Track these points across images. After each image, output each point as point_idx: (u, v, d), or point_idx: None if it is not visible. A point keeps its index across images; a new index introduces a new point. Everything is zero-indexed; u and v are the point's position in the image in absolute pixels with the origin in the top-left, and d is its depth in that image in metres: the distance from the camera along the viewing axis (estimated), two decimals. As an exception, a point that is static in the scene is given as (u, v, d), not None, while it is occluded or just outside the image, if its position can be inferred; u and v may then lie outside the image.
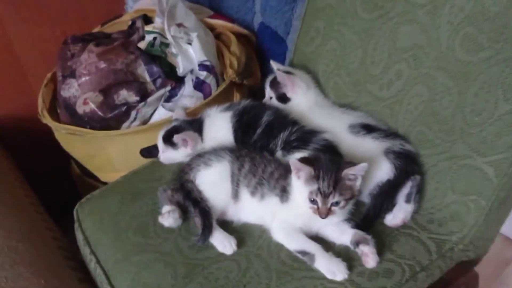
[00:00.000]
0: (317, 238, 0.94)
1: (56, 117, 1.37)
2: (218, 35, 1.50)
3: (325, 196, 0.87)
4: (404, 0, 1.02)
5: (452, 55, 0.94)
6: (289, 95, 1.19)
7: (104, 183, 1.40)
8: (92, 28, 1.63)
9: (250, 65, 1.46)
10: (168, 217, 0.99)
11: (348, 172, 0.87)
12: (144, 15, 1.52)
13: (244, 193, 0.98)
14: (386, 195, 0.99)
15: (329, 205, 0.88)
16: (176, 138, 1.10)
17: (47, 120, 1.30)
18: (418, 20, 1.00)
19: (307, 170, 0.88)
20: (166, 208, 1.01)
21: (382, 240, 0.94)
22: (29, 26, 1.59)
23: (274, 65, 1.22)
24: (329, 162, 0.89)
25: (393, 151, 1.00)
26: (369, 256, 0.87)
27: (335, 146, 1.02)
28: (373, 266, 0.87)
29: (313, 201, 0.89)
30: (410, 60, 1.02)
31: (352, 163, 0.88)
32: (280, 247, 0.95)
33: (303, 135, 1.04)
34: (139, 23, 1.46)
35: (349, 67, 1.14)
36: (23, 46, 1.62)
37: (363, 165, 0.87)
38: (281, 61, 1.51)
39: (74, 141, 1.30)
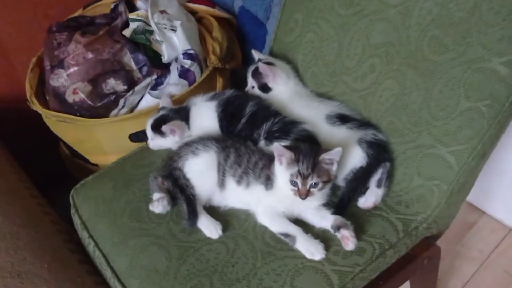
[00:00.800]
0: (298, 222, 1.03)
1: (44, 102, 1.41)
2: (199, 19, 1.54)
3: (304, 177, 0.96)
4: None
5: (421, 54, 1.03)
6: (270, 85, 1.26)
7: (94, 165, 1.47)
8: (74, 10, 1.65)
9: (232, 48, 1.52)
10: (158, 205, 1.07)
11: (325, 156, 0.97)
12: (126, -1, 1.55)
13: (230, 182, 1.07)
14: (359, 180, 1.09)
15: (308, 186, 0.98)
16: (165, 128, 1.17)
17: (36, 107, 1.35)
18: (390, 19, 1.07)
19: (288, 154, 0.97)
20: (156, 196, 1.09)
21: (355, 221, 1.04)
22: (9, 9, 1.60)
23: (255, 54, 1.29)
24: (308, 148, 0.98)
25: (366, 140, 1.09)
26: (349, 239, 0.97)
27: (314, 136, 1.10)
28: (352, 248, 0.97)
29: (293, 183, 0.98)
30: (383, 56, 1.10)
31: (328, 149, 0.97)
32: (264, 229, 1.04)
33: (285, 126, 1.12)
34: (121, 7, 1.49)
35: (326, 58, 1.21)
36: (4, 29, 1.62)
37: (337, 150, 0.97)
38: (261, 44, 1.57)
39: (64, 127, 1.35)
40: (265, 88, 1.27)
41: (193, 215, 1.05)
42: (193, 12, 1.54)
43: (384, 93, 1.11)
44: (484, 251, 1.76)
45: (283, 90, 1.25)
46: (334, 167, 1.00)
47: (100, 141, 1.35)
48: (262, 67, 1.24)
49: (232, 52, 1.51)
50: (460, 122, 0.99)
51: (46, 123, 1.44)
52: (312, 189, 0.98)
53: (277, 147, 0.98)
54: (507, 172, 1.63)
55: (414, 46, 1.04)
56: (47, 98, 1.37)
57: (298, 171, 0.97)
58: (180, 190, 1.08)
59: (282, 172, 1.00)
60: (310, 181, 0.97)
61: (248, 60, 1.63)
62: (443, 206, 1.05)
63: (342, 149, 0.97)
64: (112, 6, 1.54)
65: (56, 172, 1.76)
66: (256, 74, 1.27)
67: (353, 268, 0.98)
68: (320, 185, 0.98)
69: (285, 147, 0.98)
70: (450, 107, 0.99)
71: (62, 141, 1.52)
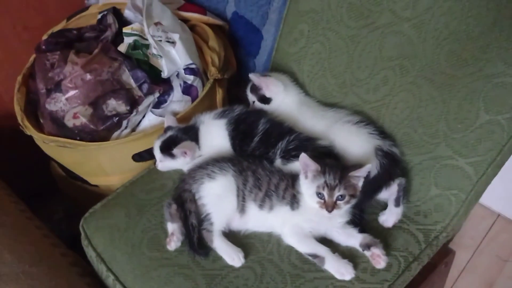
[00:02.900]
0: (323, 241, 1.03)
1: (35, 124, 1.34)
2: (192, 27, 1.49)
3: (331, 189, 0.96)
4: (390, 12, 1.08)
5: (437, 67, 1.03)
6: (267, 95, 1.25)
7: (94, 185, 1.41)
8: (55, 21, 1.56)
9: (227, 56, 1.48)
10: (171, 241, 1.05)
11: (354, 174, 0.97)
12: (113, 8, 1.48)
13: (252, 207, 1.05)
14: (368, 192, 1.08)
15: (334, 198, 0.97)
16: (176, 151, 1.13)
17: (31, 132, 1.28)
18: (404, 32, 1.07)
19: (314, 166, 0.97)
20: (169, 227, 1.06)
21: (378, 236, 1.05)
22: (-14, 22, 1.51)
23: (251, 76, 1.27)
24: (334, 161, 1.00)
25: (382, 149, 1.10)
26: (381, 257, 0.98)
27: (332, 151, 1.10)
28: (384, 266, 0.98)
29: (320, 196, 0.97)
30: (396, 68, 1.10)
31: (356, 165, 0.98)
32: (289, 250, 1.04)
33: (301, 143, 1.10)
34: (110, 19, 1.43)
35: (335, 70, 1.20)
36: (-17, 44, 1.53)
37: (367, 167, 0.97)
38: (256, 49, 1.55)
39: (61, 150, 1.29)
40: (264, 99, 1.26)
41: (198, 245, 1.03)
42: (185, 20, 1.48)
43: (398, 105, 1.11)
44: (476, 238, 1.83)
45: (285, 100, 1.24)
46: (360, 182, 1.00)
47: (101, 164, 1.30)
48: (255, 79, 1.24)
49: (228, 60, 1.48)
50: (479, 134, 1.00)
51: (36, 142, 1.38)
52: (338, 202, 0.98)
53: (303, 158, 0.97)
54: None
55: (430, 60, 1.04)
56: (42, 121, 1.30)
57: (325, 182, 0.96)
58: (184, 216, 1.06)
59: (308, 185, 0.99)
60: (337, 193, 0.97)
61: (242, 66, 1.60)
62: (461, 214, 1.08)
63: (371, 166, 0.98)
64: (99, 16, 1.47)
65: (43, 185, 1.70)
66: (253, 88, 1.27)
67: (382, 284, 0.99)
68: (347, 198, 0.98)
69: (310, 156, 0.97)
70: (469, 120, 1.01)
71: (56, 162, 1.45)
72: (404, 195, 1.09)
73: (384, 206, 1.10)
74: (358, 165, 0.99)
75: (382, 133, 1.13)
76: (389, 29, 1.09)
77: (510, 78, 0.94)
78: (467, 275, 1.72)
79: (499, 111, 0.97)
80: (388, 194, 1.08)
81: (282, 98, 1.25)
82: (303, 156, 0.97)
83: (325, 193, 0.97)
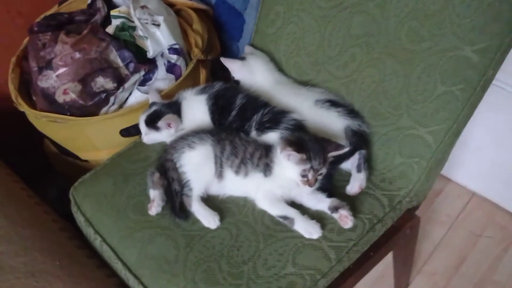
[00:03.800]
0: (294, 205, 1.12)
1: (29, 102, 1.42)
2: (177, 12, 1.57)
3: (316, 171, 1.05)
4: (356, -8, 1.16)
5: (399, 43, 1.11)
6: (236, 77, 1.34)
7: (84, 161, 1.50)
8: (48, 6, 1.64)
9: (211, 39, 1.56)
10: (152, 207, 1.12)
11: (333, 154, 1.05)
12: (102, -7, 1.56)
13: (228, 173, 1.13)
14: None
15: (317, 177, 1.06)
16: (161, 123, 1.21)
17: (24, 108, 1.36)
18: (369, 11, 1.15)
19: (299, 156, 1.04)
20: (150, 194, 1.14)
21: (346, 201, 1.13)
22: (-19, 7, 1.58)
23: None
24: (315, 144, 1.05)
25: (351, 129, 1.18)
26: (348, 218, 1.07)
27: (303, 124, 1.18)
28: (351, 226, 1.07)
29: (304, 176, 1.06)
30: (363, 45, 1.18)
31: (334, 144, 1.06)
32: (262, 213, 1.12)
33: (274, 116, 1.18)
34: (99, 3, 1.51)
35: (308, 48, 1.28)
36: (-22, 28, 1.61)
37: (346, 149, 1.07)
38: (239, 33, 1.63)
39: (53, 126, 1.37)
40: (234, 80, 1.35)
41: (180, 209, 1.11)
42: (171, 5, 1.56)
43: (365, 80, 1.19)
44: (452, 215, 1.91)
45: (259, 81, 1.32)
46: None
47: (91, 138, 1.38)
48: (223, 61, 1.33)
49: (212, 43, 1.56)
50: (437, 105, 1.08)
51: (29, 121, 1.46)
52: (318, 177, 1.07)
53: (286, 151, 1.04)
54: (470, 142, 1.77)
55: (393, 36, 1.12)
56: (34, 98, 1.38)
57: (311, 167, 1.04)
58: (167, 184, 1.14)
59: (292, 167, 1.06)
60: (320, 172, 1.05)
61: (226, 49, 1.68)
62: (423, 180, 1.16)
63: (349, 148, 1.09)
64: (89, 1, 1.55)
65: (38, 166, 1.78)
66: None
67: (347, 243, 1.08)
68: (324, 172, 1.06)
69: (293, 145, 1.04)
70: (428, 91, 1.09)
71: (48, 139, 1.53)
72: (365, 162, 1.17)
73: (348, 176, 1.18)
74: (335, 143, 1.08)
75: (351, 112, 1.21)
76: (356, 8, 1.17)
77: (462, 51, 1.02)
78: (442, 249, 1.80)
79: (454, 83, 1.05)
80: (351, 162, 1.17)
81: (250, 80, 1.33)
82: (287, 151, 1.04)
83: (310, 174, 1.05)
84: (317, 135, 1.11)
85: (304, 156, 1.04)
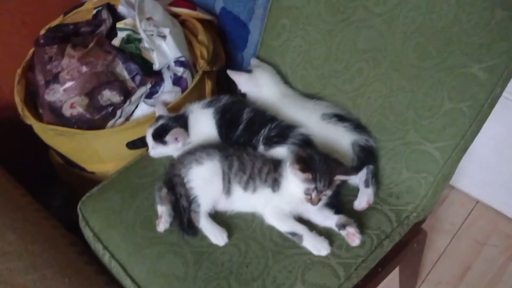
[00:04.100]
0: (301, 220, 1.12)
1: (35, 114, 1.42)
2: (182, 22, 1.57)
3: (320, 192, 1.05)
4: (363, 8, 1.16)
5: (406, 59, 1.12)
6: (242, 90, 1.35)
7: (91, 172, 1.50)
8: (52, 15, 1.64)
9: (216, 50, 1.56)
10: (160, 223, 1.13)
11: (340, 178, 1.06)
12: (107, 4, 1.56)
13: (237, 189, 1.13)
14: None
15: (321, 197, 1.06)
16: (169, 138, 1.21)
17: (31, 121, 1.36)
18: (376, 26, 1.15)
19: (305, 176, 1.04)
20: (158, 209, 1.15)
21: (353, 216, 1.13)
22: (-14, 17, 1.58)
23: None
24: (324, 165, 1.05)
25: (359, 145, 1.18)
26: (355, 235, 1.07)
27: (310, 139, 1.18)
28: (358, 244, 1.07)
29: (308, 194, 1.06)
30: (370, 60, 1.18)
31: (344, 169, 1.07)
32: (271, 229, 1.12)
33: (282, 131, 1.18)
34: (105, 14, 1.51)
35: (315, 62, 1.29)
36: (-17, 39, 1.61)
37: (353, 177, 1.09)
38: (243, 43, 1.63)
39: (60, 139, 1.38)
40: (241, 93, 1.35)
41: (188, 225, 1.11)
42: (175, 15, 1.56)
43: (372, 94, 1.20)
44: (456, 223, 1.92)
45: (266, 94, 1.32)
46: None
47: (98, 151, 1.39)
48: (229, 74, 1.33)
49: (217, 53, 1.56)
50: (444, 121, 1.09)
51: (34, 132, 1.46)
52: (322, 197, 1.07)
53: (294, 170, 1.04)
54: (473, 150, 1.76)
55: (400, 52, 1.12)
56: (40, 111, 1.38)
57: (315, 187, 1.04)
58: (175, 199, 1.14)
59: (297, 183, 1.06)
60: (324, 193, 1.06)
61: (230, 58, 1.68)
62: (430, 195, 1.16)
63: (357, 177, 1.11)
64: (94, 12, 1.55)
65: (42, 174, 1.78)
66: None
67: (355, 259, 1.08)
68: (330, 193, 1.07)
69: (300, 162, 1.04)
70: (435, 107, 1.09)
71: (54, 150, 1.53)
72: (372, 177, 1.17)
73: (356, 190, 1.18)
74: (344, 168, 1.09)
75: (358, 127, 1.21)
76: (362, 23, 1.17)
77: (470, 69, 1.03)
78: (446, 258, 1.80)
79: (461, 100, 1.05)
80: (358, 177, 1.17)
81: (257, 93, 1.33)
82: (293, 169, 1.04)
83: (313, 194, 1.05)
84: (329, 155, 1.10)
85: (310, 176, 1.04)
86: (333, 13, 1.22)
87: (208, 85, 1.49)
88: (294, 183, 1.08)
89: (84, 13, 1.60)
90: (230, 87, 1.40)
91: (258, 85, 1.32)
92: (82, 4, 1.61)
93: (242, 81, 1.32)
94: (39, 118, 1.41)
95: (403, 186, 1.19)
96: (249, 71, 1.34)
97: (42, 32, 1.58)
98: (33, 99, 1.46)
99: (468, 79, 1.03)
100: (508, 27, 0.97)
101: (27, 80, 1.49)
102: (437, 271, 1.77)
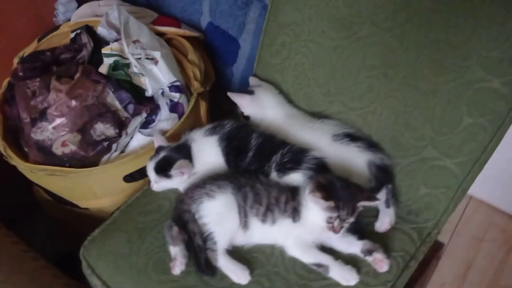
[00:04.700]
0: (324, 248, 1.07)
1: (18, 152, 1.31)
2: (169, 41, 1.49)
3: (343, 221, 1.00)
4: (371, 23, 1.11)
5: (420, 75, 1.08)
6: (245, 113, 1.28)
7: (84, 208, 1.40)
8: (25, 41, 1.52)
9: (206, 67, 1.49)
10: (175, 266, 1.05)
11: (363, 204, 1.01)
12: (86, 26, 1.46)
13: (254, 222, 1.07)
14: None
15: (343, 224, 1.02)
16: (174, 172, 1.14)
17: (16, 162, 1.25)
18: (386, 42, 1.11)
19: (327, 204, 0.99)
20: (171, 251, 1.07)
21: (374, 239, 1.10)
22: None
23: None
24: (345, 191, 1.00)
25: (375, 164, 1.14)
26: (383, 261, 1.03)
27: (325, 162, 1.13)
28: (387, 270, 1.03)
29: (330, 222, 1.01)
30: (380, 77, 1.14)
31: (366, 194, 1.02)
32: (293, 261, 1.07)
33: (295, 156, 1.13)
34: (84, 38, 1.41)
35: (319, 79, 1.23)
36: None
37: (377, 202, 1.04)
38: (233, 58, 1.56)
39: (50, 178, 1.27)
40: (243, 116, 1.28)
41: (206, 266, 1.05)
42: (161, 34, 1.47)
43: (384, 111, 1.16)
44: (453, 221, 1.92)
45: (270, 116, 1.26)
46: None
47: (92, 187, 1.29)
48: (231, 96, 1.26)
49: (207, 71, 1.48)
50: (464, 136, 1.06)
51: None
52: (345, 224, 1.02)
53: (315, 199, 1.00)
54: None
55: (413, 68, 1.09)
56: (26, 150, 1.27)
57: (338, 216, 0.99)
58: (188, 238, 1.07)
59: (318, 211, 1.02)
60: (346, 221, 1.01)
61: (219, 74, 1.61)
62: (450, 210, 1.14)
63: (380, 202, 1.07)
64: (72, 35, 1.44)
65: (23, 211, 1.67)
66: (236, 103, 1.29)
67: (385, 285, 1.05)
68: (352, 220, 1.02)
69: (321, 190, 0.99)
70: (454, 123, 1.06)
71: (41, 187, 1.42)
72: (392, 196, 1.14)
73: (375, 211, 1.14)
74: (367, 194, 1.05)
75: (372, 145, 1.17)
76: (371, 39, 1.12)
77: (489, 83, 1.00)
78: (447, 258, 1.81)
79: (482, 114, 1.03)
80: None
81: (262, 115, 1.27)
82: (315, 198, 1.00)
83: (336, 222, 1.01)
84: (348, 180, 1.06)
85: (333, 204, 1.00)
86: (337, 30, 1.16)
87: (203, 106, 1.41)
88: (315, 212, 1.03)
89: (60, 37, 1.49)
90: (227, 108, 1.33)
91: (262, 107, 1.25)
92: (57, 28, 1.50)
93: (245, 104, 1.26)
94: (24, 156, 1.30)
95: (421, 203, 1.16)
96: (250, 92, 1.27)
97: (16, 60, 1.46)
98: (14, 135, 1.34)
99: (488, 94, 1.01)
100: (529, 40, 0.95)
101: (4, 114, 1.37)
102: (440, 272, 1.76)
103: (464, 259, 1.81)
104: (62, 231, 1.78)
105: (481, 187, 1.91)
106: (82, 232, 1.20)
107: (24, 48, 1.49)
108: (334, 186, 1.02)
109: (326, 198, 0.99)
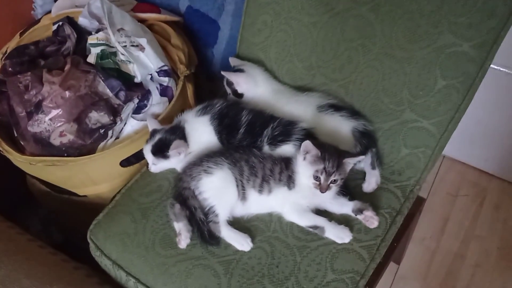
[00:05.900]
0: (319, 212, 1.16)
1: (13, 146, 1.34)
2: (150, 27, 1.52)
3: (328, 174, 1.08)
4: (347, -2, 1.18)
5: (396, 44, 1.16)
6: (239, 91, 1.33)
7: (83, 196, 1.44)
8: (5, 37, 1.53)
9: (189, 50, 1.53)
10: (180, 240, 1.12)
11: (350, 160, 1.09)
12: (67, 17, 1.48)
13: (252, 193, 1.14)
14: None
15: (329, 182, 1.09)
16: (171, 152, 1.19)
17: (13, 155, 1.28)
18: (362, 15, 1.18)
19: (315, 151, 1.06)
20: (175, 226, 1.14)
21: (363, 199, 1.18)
22: None
23: (232, 62, 1.34)
24: (333, 148, 1.09)
25: (358, 130, 1.22)
26: (374, 218, 1.12)
27: (313, 132, 1.20)
28: (377, 225, 1.12)
29: (316, 178, 1.09)
30: (359, 48, 1.21)
31: (351, 153, 1.09)
32: (290, 225, 1.15)
33: (284, 128, 1.19)
34: (67, 29, 1.43)
35: (301, 54, 1.30)
36: None
37: (361, 156, 1.09)
38: (214, 39, 1.61)
39: (48, 169, 1.31)
40: (236, 94, 1.34)
41: (210, 237, 1.12)
42: (142, 21, 1.51)
43: (364, 80, 1.23)
44: (428, 180, 2.04)
45: (260, 93, 1.33)
46: (350, 167, 1.12)
47: (90, 175, 1.33)
48: (226, 75, 1.32)
49: (190, 54, 1.53)
50: (438, 98, 1.15)
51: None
52: (331, 185, 1.10)
53: (306, 144, 1.07)
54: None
55: (389, 37, 1.16)
56: (22, 143, 1.30)
57: (324, 168, 1.07)
58: (190, 213, 1.14)
59: (306, 167, 1.09)
60: (332, 178, 1.09)
61: (200, 56, 1.66)
62: (430, 167, 1.24)
63: (365, 156, 1.14)
64: (55, 27, 1.46)
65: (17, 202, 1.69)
66: (228, 82, 1.34)
67: (376, 240, 1.14)
68: (339, 182, 1.10)
69: (313, 142, 1.07)
70: (429, 86, 1.15)
71: (37, 179, 1.45)
72: (377, 159, 1.23)
73: (362, 174, 1.23)
74: (351, 153, 1.12)
75: (354, 113, 1.25)
76: (348, 13, 1.19)
77: (460, 47, 1.09)
78: (425, 214, 1.92)
79: (454, 76, 1.12)
80: (363, 162, 1.22)
81: (254, 92, 1.33)
82: (307, 143, 1.07)
83: (322, 177, 1.08)
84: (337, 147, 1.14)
85: (319, 154, 1.07)
86: (316, 6, 1.23)
87: (190, 88, 1.46)
88: (304, 170, 1.10)
89: (41, 30, 1.51)
90: (212, 90, 1.39)
91: (256, 83, 1.31)
92: (38, 21, 1.51)
93: (242, 81, 1.31)
94: (19, 149, 1.33)
95: (403, 163, 1.25)
96: (241, 70, 1.33)
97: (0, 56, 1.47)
98: (6, 130, 1.36)
99: (459, 57, 1.10)
100: (494, 5, 1.03)
101: (-6, 109, 1.39)
102: (420, 228, 1.88)
103: (441, 215, 1.93)
104: (57, 222, 1.81)
105: (453, 146, 2.03)
106: (80, 220, 1.25)
107: (5, 44, 1.50)
108: (322, 144, 1.11)
109: (315, 145, 1.07)
